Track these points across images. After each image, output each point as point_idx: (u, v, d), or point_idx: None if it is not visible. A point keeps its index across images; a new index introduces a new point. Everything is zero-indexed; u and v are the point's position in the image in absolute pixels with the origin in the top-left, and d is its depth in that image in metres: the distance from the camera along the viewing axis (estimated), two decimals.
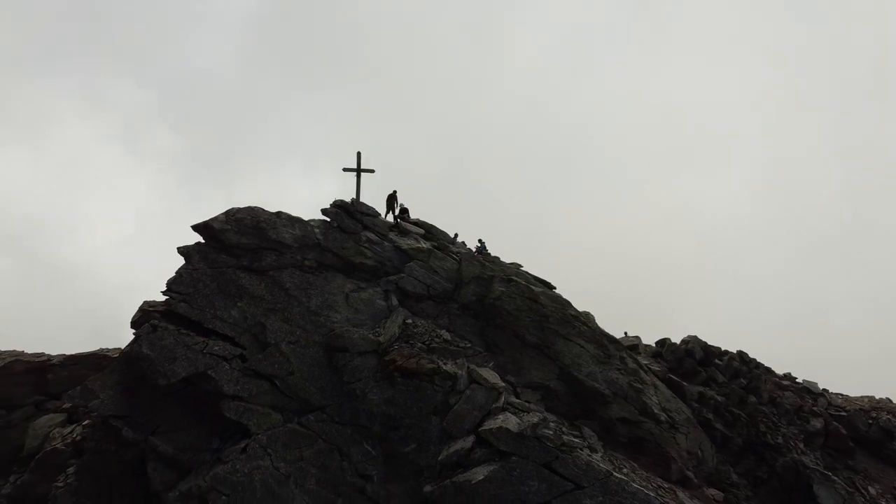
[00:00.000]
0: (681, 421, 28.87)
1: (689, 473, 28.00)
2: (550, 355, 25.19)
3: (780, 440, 31.12)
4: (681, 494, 25.98)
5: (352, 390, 22.01)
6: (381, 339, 22.63)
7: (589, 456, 20.72)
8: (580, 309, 30.27)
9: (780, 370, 36.63)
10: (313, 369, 22.16)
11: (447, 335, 23.92)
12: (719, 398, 31.98)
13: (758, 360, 34.95)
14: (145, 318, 21.68)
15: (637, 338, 35.50)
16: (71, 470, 22.76)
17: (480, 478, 19.08)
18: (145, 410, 21.25)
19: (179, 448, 21.10)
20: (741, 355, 34.54)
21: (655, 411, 27.47)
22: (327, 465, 21.18)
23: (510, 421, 20.19)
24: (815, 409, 33.59)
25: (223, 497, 19.69)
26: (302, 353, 22.21)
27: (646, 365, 32.70)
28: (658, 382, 30.31)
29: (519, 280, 25.29)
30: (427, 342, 23.10)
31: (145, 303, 22.29)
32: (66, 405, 26.46)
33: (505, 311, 24.62)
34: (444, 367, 22.21)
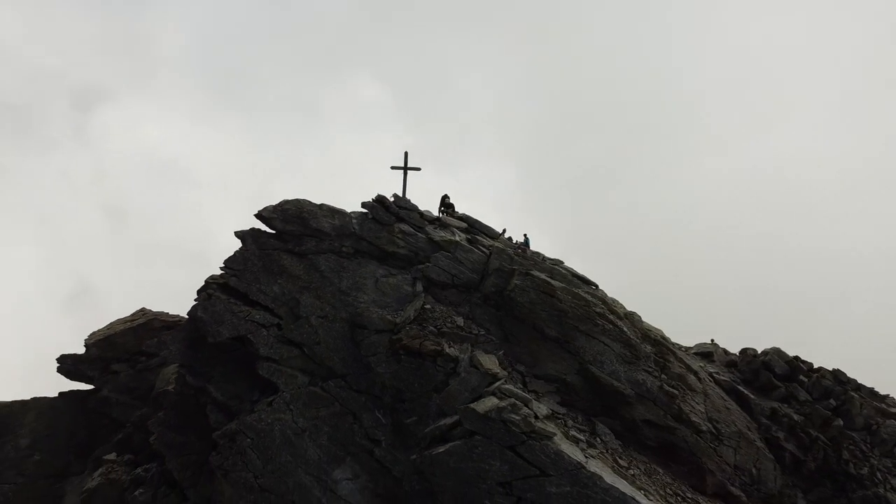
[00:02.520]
0: (729, 433, 27.23)
1: (735, 490, 26.45)
2: (571, 350, 25.56)
3: (865, 471, 27.80)
4: None
5: (368, 363, 24.82)
6: (396, 319, 25.13)
7: (561, 446, 21.15)
8: (630, 309, 29.89)
9: None
10: (337, 342, 25.36)
11: (461, 321, 25.59)
12: (796, 417, 29.28)
13: (859, 381, 31.12)
14: (205, 288, 26.65)
15: (714, 345, 33.52)
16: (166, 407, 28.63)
17: (441, 450, 20.84)
18: (204, 363, 26.20)
19: (228, 396, 25.69)
20: (836, 374, 31.00)
21: (694, 419, 26.32)
22: (339, 426, 24.26)
23: (483, 403, 21.50)
24: None
25: (248, 440, 23.81)
26: (329, 327, 25.54)
27: (711, 372, 31.00)
28: (713, 391, 28.72)
29: (537, 275, 25.97)
30: (439, 326, 25.03)
31: (210, 276, 27.27)
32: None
33: (519, 303, 25.55)
34: (447, 350, 24.03)
